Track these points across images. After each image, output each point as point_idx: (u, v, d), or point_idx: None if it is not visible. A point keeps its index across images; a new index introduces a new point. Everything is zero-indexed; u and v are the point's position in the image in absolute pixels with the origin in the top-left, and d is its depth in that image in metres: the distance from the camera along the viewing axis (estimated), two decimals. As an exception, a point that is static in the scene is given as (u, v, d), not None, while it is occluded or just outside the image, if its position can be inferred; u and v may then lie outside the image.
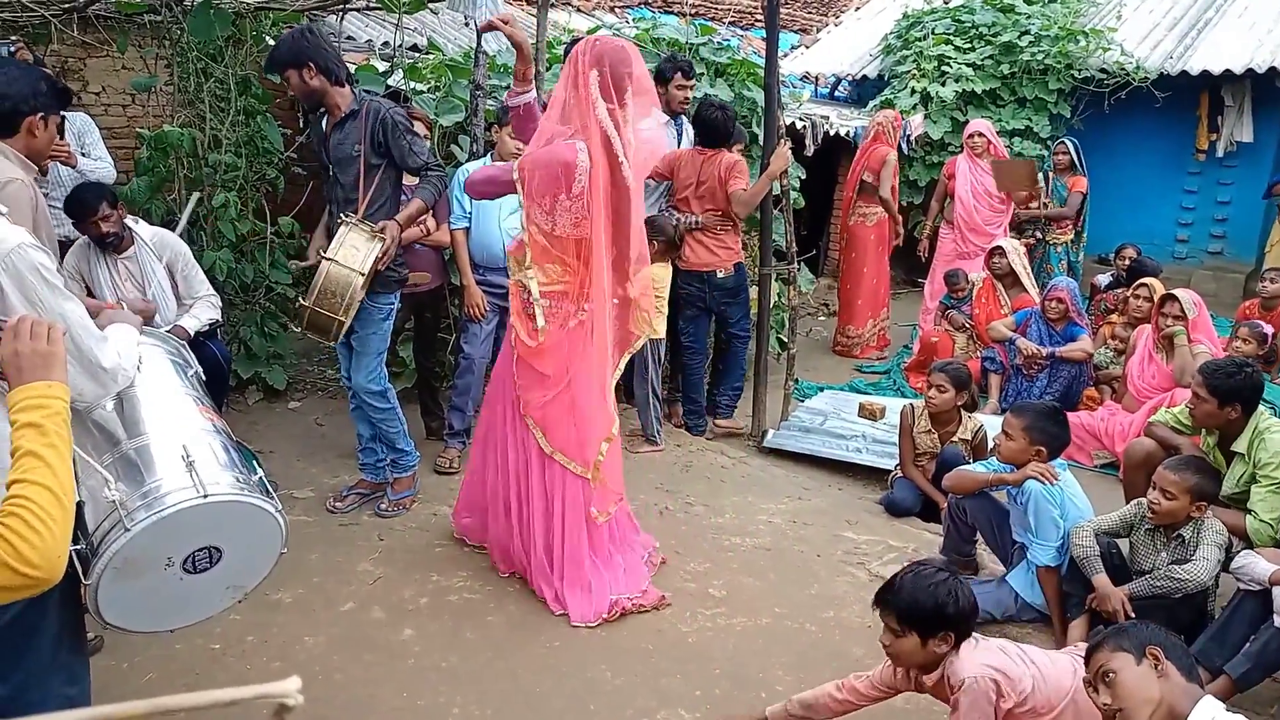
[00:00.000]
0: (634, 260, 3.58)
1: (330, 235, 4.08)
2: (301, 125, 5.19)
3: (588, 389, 3.58)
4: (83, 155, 4.98)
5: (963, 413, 4.80)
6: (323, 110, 4.08)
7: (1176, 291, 5.51)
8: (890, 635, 2.65)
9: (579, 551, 3.65)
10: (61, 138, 4.82)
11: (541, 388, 3.58)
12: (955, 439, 4.73)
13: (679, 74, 5.38)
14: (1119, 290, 7.31)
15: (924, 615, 2.57)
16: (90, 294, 4.31)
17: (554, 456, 3.61)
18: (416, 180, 4.18)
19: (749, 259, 6.00)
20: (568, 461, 3.61)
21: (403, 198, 4.67)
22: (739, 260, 5.55)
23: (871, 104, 9.90)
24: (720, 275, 5.45)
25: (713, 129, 5.28)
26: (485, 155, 5.00)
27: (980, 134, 7.62)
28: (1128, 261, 7.50)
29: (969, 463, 4.67)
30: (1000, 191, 7.56)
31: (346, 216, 3.91)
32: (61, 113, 4.07)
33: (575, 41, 3.65)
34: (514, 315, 3.60)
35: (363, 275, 3.78)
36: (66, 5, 5.36)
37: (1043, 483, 3.54)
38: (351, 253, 3.80)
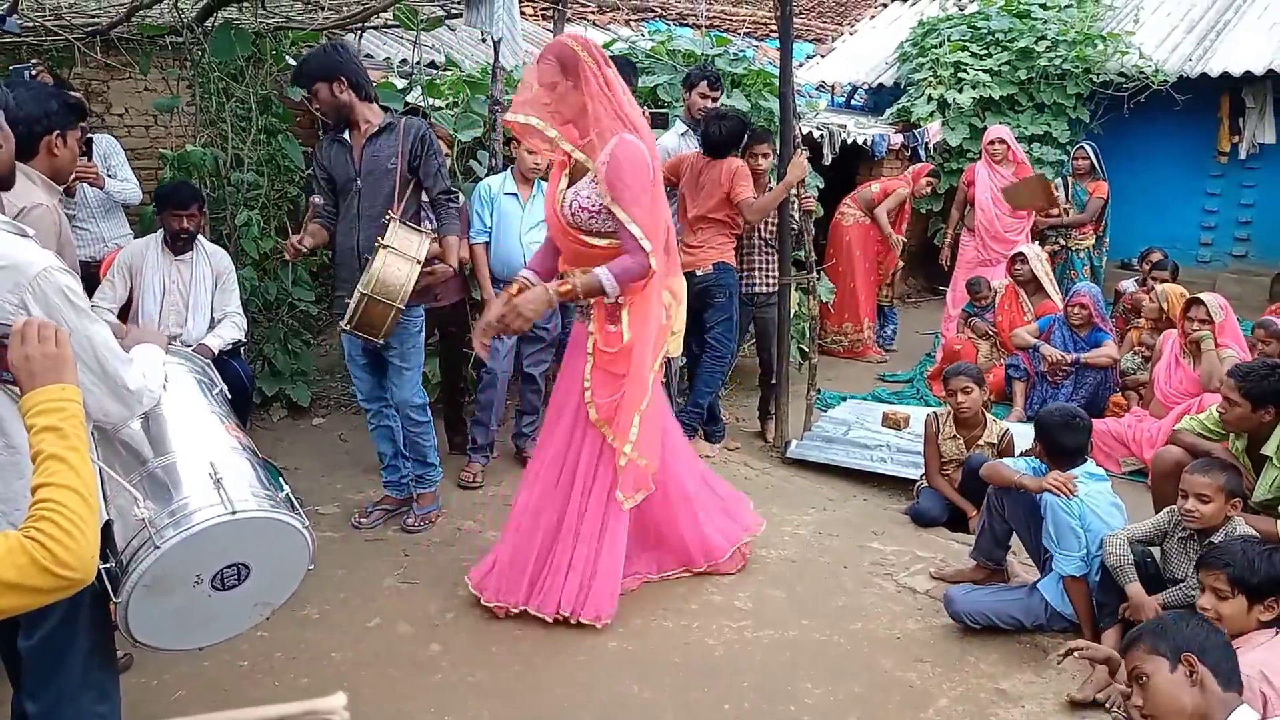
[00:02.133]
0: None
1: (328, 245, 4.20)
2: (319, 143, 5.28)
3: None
4: (110, 177, 5.04)
5: (988, 416, 4.78)
6: (348, 125, 4.09)
7: (1203, 295, 5.44)
8: (1213, 598, 2.74)
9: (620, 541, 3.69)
10: (89, 159, 4.88)
11: (611, 389, 3.56)
12: (981, 443, 4.70)
13: (704, 83, 5.39)
14: (1136, 291, 7.26)
15: (1257, 579, 2.69)
16: (130, 291, 4.51)
17: (623, 449, 3.58)
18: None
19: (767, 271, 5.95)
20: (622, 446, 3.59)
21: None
22: (721, 260, 5.31)
23: (888, 111, 9.88)
24: (699, 274, 5.23)
25: (714, 143, 5.22)
26: (504, 169, 5.02)
27: (1001, 140, 7.59)
28: (1150, 266, 7.45)
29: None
30: (1017, 211, 7.52)
31: (393, 214, 3.91)
32: (84, 129, 4.12)
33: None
34: (596, 325, 3.55)
35: (418, 263, 3.82)
36: (89, 28, 5.43)
37: (1057, 495, 3.50)
38: (406, 243, 3.84)
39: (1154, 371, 5.66)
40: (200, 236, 4.62)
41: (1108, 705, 3.13)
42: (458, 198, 4.20)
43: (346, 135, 4.08)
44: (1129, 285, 7.72)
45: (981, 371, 4.89)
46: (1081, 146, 8.17)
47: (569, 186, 3.49)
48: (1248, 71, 8.70)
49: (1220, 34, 9.50)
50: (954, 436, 4.75)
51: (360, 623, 3.65)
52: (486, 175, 5.35)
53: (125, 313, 4.49)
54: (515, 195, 4.83)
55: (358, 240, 4.04)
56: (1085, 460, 3.69)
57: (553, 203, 3.51)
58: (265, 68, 5.75)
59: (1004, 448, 4.69)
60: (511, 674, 3.34)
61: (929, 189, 8.28)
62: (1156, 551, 3.59)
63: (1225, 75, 8.83)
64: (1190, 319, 5.40)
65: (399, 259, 3.78)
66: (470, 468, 4.96)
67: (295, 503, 2.37)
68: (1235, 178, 9.48)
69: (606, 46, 7.02)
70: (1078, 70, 9.17)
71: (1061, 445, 3.63)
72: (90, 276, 4.52)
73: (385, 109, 4.17)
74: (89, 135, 5.02)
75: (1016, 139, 8.19)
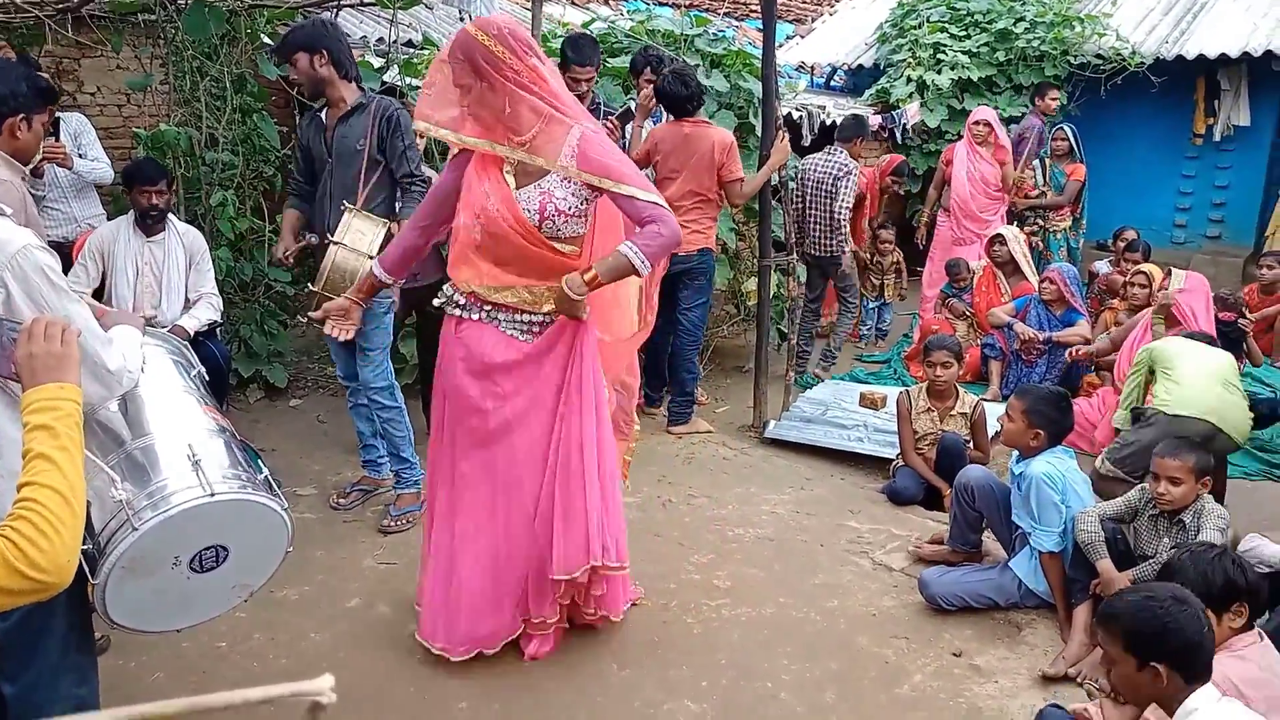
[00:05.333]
0: None
1: (306, 229, 4.19)
2: (297, 121, 5.23)
3: None
4: (79, 156, 4.98)
5: (959, 388, 4.85)
6: (323, 102, 4.07)
7: (1175, 270, 5.53)
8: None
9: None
10: (57, 139, 4.82)
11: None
12: (954, 413, 4.80)
13: (648, 68, 5.39)
14: (1110, 272, 7.33)
15: (1215, 590, 2.47)
16: (103, 275, 4.46)
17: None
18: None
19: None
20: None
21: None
22: (705, 246, 5.28)
23: (868, 93, 9.89)
24: (680, 255, 5.08)
25: (680, 99, 5.12)
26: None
27: (986, 123, 7.59)
28: (1124, 246, 7.52)
29: (969, 448, 4.71)
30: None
31: (348, 204, 3.91)
32: (53, 112, 4.06)
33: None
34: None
35: (371, 258, 3.79)
36: (60, 5, 5.34)
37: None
38: (358, 237, 3.82)
39: (1122, 347, 5.71)
40: (171, 215, 4.57)
41: (1079, 680, 3.19)
42: (425, 182, 4.08)
43: (323, 114, 4.07)
44: (1103, 266, 7.78)
45: (962, 346, 4.95)
46: (1061, 128, 8.20)
47: (519, 188, 2.95)
48: (1223, 54, 8.77)
49: (1196, 16, 9.56)
50: (928, 410, 4.82)
51: (339, 604, 3.66)
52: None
53: (99, 297, 4.44)
54: None
55: (328, 221, 4.02)
56: None
57: (508, 207, 2.91)
58: (240, 46, 5.68)
59: (976, 417, 4.80)
60: (490, 654, 3.36)
61: (895, 187, 8.29)
62: (1127, 528, 3.65)
63: (1201, 57, 8.89)
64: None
65: (349, 254, 3.78)
66: (450, 449, 4.94)
67: (274, 484, 2.37)
68: (1210, 159, 9.56)
69: (585, 26, 7.00)
70: (1055, 52, 9.21)
71: (1059, 423, 3.69)
72: (64, 257, 4.48)
73: (363, 89, 4.13)
74: (57, 116, 4.96)
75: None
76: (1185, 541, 3.35)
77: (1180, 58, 8.97)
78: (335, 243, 3.78)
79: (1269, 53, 8.58)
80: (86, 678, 2.24)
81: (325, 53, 3.88)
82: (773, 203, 5.62)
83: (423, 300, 5.16)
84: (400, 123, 3.99)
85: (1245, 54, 8.69)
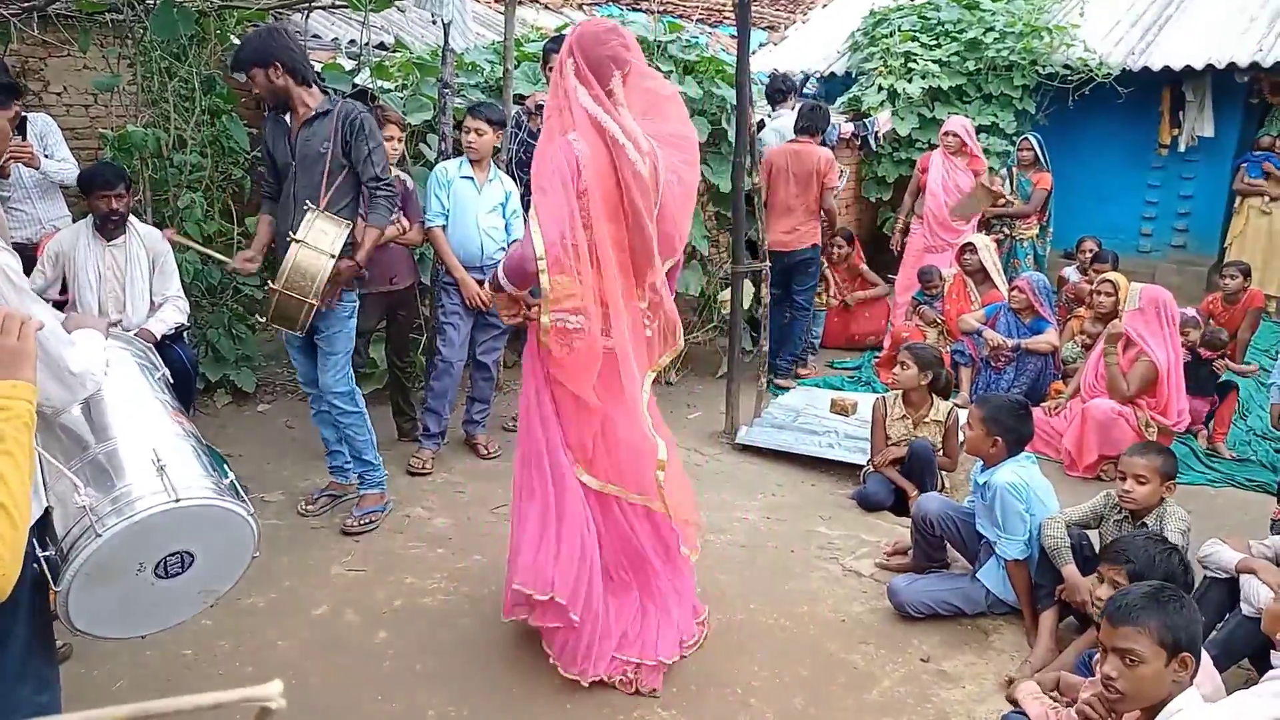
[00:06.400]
0: (656, 266, 3.08)
1: (277, 232, 4.13)
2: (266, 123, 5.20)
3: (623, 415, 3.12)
4: (46, 157, 4.91)
5: (932, 395, 4.86)
6: (288, 109, 4.03)
7: (1134, 285, 5.58)
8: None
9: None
10: (24, 138, 4.76)
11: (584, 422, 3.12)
12: (928, 420, 4.82)
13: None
14: (1078, 280, 7.42)
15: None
16: (64, 281, 4.38)
17: (605, 489, 3.16)
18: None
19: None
20: (623, 492, 3.16)
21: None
22: (815, 242, 6.60)
23: (840, 101, 9.95)
24: (798, 248, 6.48)
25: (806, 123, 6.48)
26: (454, 154, 4.98)
27: (954, 134, 7.65)
28: (1089, 255, 7.61)
29: (938, 455, 4.74)
30: (960, 218, 7.56)
31: (311, 205, 3.87)
32: (16, 109, 3.98)
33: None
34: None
35: (333, 258, 3.76)
36: (26, 4, 5.27)
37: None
38: (320, 236, 3.78)
39: (1089, 359, 5.76)
40: (132, 218, 4.48)
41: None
42: (390, 186, 4.05)
43: (287, 117, 4.02)
44: (1072, 273, 7.87)
45: (936, 359, 4.90)
46: (1026, 138, 8.29)
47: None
48: (1188, 66, 8.90)
49: (1162, 28, 9.70)
50: (903, 416, 4.85)
51: (306, 611, 3.62)
52: (436, 159, 5.30)
53: (62, 306, 4.37)
54: (471, 179, 4.78)
55: (292, 224, 3.95)
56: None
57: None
58: (209, 47, 5.63)
59: (950, 423, 4.82)
60: (459, 661, 3.34)
61: None
62: (1093, 534, 3.69)
63: (1166, 69, 9.02)
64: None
65: (310, 253, 3.74)
66: (421, 454, 4.93)
67: (240, 490, 2.35)
68: (1175, 169, 9.70)
69: (559, 30, 7.01)
70: (1024, 62, 9.30)
71: (1016, 431, 3.71)
72: (28, 259, 4.41)
73: (328, 93, 4.09)
74: (24, 116, 4.89)
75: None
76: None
77: (1146, 69, 9.09)
78: (297, 241, 3.74)
79: (1232, 65, 8.73)
80: (48, 685, 2.20)
81: (278, 64, 3.82)
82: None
83: (395, 306, 5.15)
84: (365, 126, 3.93)
85: (1209, 66, 8.82)
